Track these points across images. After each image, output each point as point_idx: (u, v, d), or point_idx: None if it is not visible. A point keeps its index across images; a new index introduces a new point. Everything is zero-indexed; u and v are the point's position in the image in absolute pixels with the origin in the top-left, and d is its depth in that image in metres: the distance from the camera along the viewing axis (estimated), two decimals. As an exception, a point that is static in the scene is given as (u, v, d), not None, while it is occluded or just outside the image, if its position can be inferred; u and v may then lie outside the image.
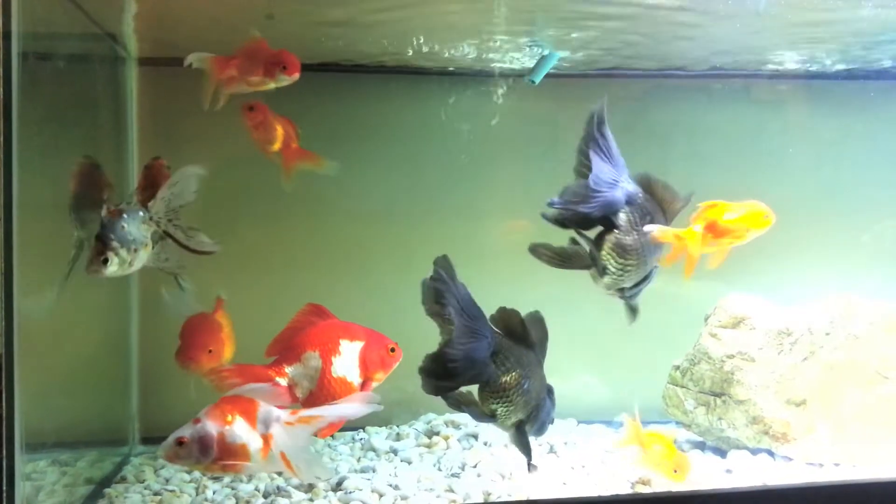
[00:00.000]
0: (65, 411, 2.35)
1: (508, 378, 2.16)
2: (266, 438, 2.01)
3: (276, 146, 2.56)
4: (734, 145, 3.43)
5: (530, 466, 2.30)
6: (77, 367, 2.48)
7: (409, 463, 2.73)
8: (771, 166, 3.43)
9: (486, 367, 2.16)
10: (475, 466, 2.66)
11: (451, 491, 2.46)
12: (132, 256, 2.03)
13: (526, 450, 2.26)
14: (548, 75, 3.09)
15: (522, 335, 2.26)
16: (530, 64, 3.11)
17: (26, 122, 1.88)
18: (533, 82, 3.11)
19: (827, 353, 2.85)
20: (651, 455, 2.40)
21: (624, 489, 2.49)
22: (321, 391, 2.27)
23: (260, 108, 2.54)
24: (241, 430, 1.98)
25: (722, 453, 2.87)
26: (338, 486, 2.48)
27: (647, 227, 2.20)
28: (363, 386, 2.32)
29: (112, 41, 2.81)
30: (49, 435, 2.18)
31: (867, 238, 3.48)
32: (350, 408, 2.16)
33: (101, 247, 1.99)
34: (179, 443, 1.93)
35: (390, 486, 2.48)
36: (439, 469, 2.67)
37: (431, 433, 3.00)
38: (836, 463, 2.74)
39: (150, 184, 2.43)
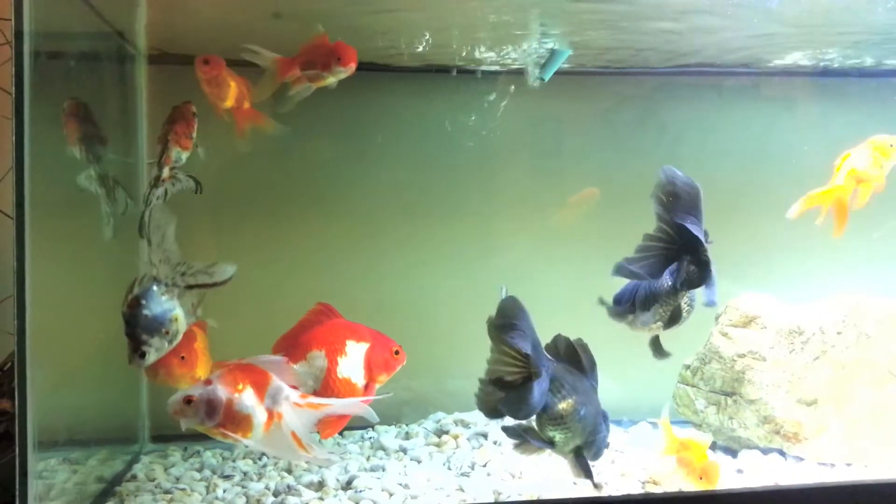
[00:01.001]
0: (76, 409, 2.35)
1: (565, 405, 2.17)
2: (271, 413, 2.00)
3: (229, 103, 2.49)
4: (745, 142, 3.41)
5: (596, 486, 2.33)
6: (88, 365, 2.48)
7: (419, 462, 2.73)
8: (782, 163, 3.41)
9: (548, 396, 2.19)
10: (485, 466, 2.66)
11: (461, 490, 2.45)
12: (168, 336, 2.04)
13: (587, 474, 2.27)
14: (557, 72, 3.08)
15: (575, 361, 2.28)
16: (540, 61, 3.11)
17: (39, 120, 1.88)
18: (543, 79, 3.10)
19: (838, 353, 2.84)
20: (683, 462, 2.41)
21: (634, 489, 2.48)
22: (325, 391, 2.28)
23: (215, 63, 2.44)
24: (249, 401, 1.97)
25: (733, 453, 2.86)
26: (348, 485, 2.48)
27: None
28: (366, 387, 2.32)
29: (122, 39, 2.81)
30: (60, 433, 2.18)
31: (878, 235, 3.46)
32: (356, 406, 2.17)
33: (135, 344, 2.00)
34: (188, 401, 1.92)
35: (400, 485, 2.47)
36: (449, 468, 2.66)
37: (441, 432, 2.99)
38: (848, 463, 2.73)
39: (169, 120, 2.46)
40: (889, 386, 2.81)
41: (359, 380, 2.31)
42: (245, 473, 2.61)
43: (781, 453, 2.79)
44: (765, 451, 2.81)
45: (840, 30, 2.93)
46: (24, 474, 1.83)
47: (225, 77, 2.45)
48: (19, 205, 1.82)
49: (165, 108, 2.99)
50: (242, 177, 3.10)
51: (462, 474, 2.60)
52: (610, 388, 3.29)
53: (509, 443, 2.85)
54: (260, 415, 1.99)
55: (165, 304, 2.04)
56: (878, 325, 2.88)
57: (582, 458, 2.24)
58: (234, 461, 2.74)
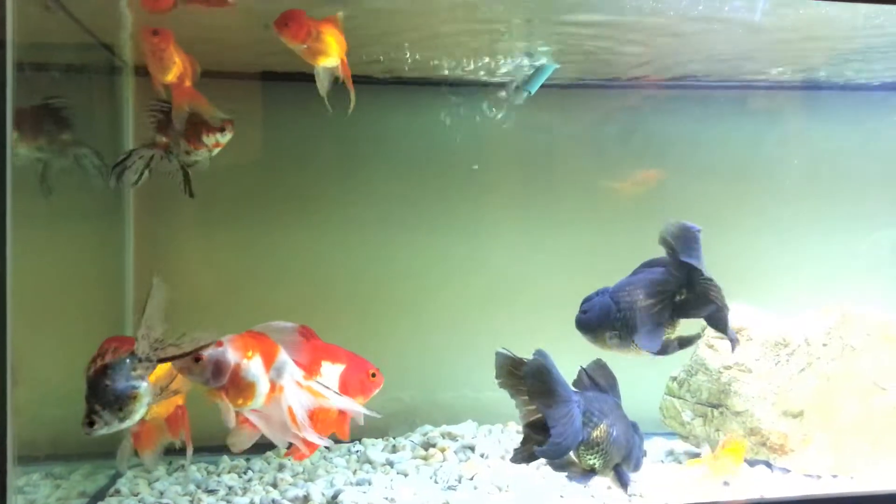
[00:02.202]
0: (59, 423, 2.33)
1: (598, 432, 2.21)
2: (273, 386, 1.98)
3: (170, 78, 2.40)
4: (730, 155, 3.44)
5: (631, 495, 2.41)
6: (71, 378, 2.46)
7: (406, 475, 2.71)
8: (767, 176, 3.44)
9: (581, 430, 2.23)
10: (472, 479, 2.65)
11: (448, 504, 2.45)
12: (120, 413, 1.93)
13: (626, 486, 2.31)
14: (543, 86, 3.10)
15: (597, 384, 2.33)
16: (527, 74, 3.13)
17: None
18: (529, 93, 3.12)
19: (824, 364, 2.85)
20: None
21: (622, 502, 2.47)
22: None
23: (165, 36, 2.33)
24: (256, 370, 1.95)
25: (718, 465, 2.86)
26: (333, 499, 2.46)
27: None
28: (341, 410, 2.29)
29: (108, 51, 2.81)
30: (43, 447, 2.16)
31: (864, 248, 3.49)
32: (351, 406, 2.16)
33: (88, 410, 1.92)
34: (196, 359, 1.90)
35: (386, 499, 2.46)
36: (436, 482, 2.65)
37: (428, 445, 2.98)
38: (834, 474, 2.73)
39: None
40: (875, 398, 2.82)
41: None
42: (230, 488, 2.59)
43: (768, 465, 2.79)
44: (751, 463, 2.81)
45: (823, 44, 2.96)
46: (2, 490, 1.81)
47: (172, 52, 2.38)
48: (0, 216, 1.81)
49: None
50: (234, 185, 3.09)
51: (449, 488, 2.59)
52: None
53: (496, 455, 2.86)
54: (263, 385, 1.96)
55: (131, 381, 1.95)
56: (863, 337, 2.89)
57: (622, 474, 2.29)
58: (218, 475, 2.72)
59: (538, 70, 3.05)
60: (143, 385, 1.96)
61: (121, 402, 1.92)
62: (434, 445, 2.96)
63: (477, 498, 2.48)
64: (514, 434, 3.13)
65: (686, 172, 3.38)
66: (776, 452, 2.76)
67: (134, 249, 3.01)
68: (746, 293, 3.11)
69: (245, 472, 2.75)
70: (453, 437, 3.02)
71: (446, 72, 3.14)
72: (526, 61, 3.05)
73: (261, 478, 2.68)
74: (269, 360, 1.98)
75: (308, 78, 3.12)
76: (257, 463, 2.84)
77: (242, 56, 2.98)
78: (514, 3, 2.52)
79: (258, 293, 3.10)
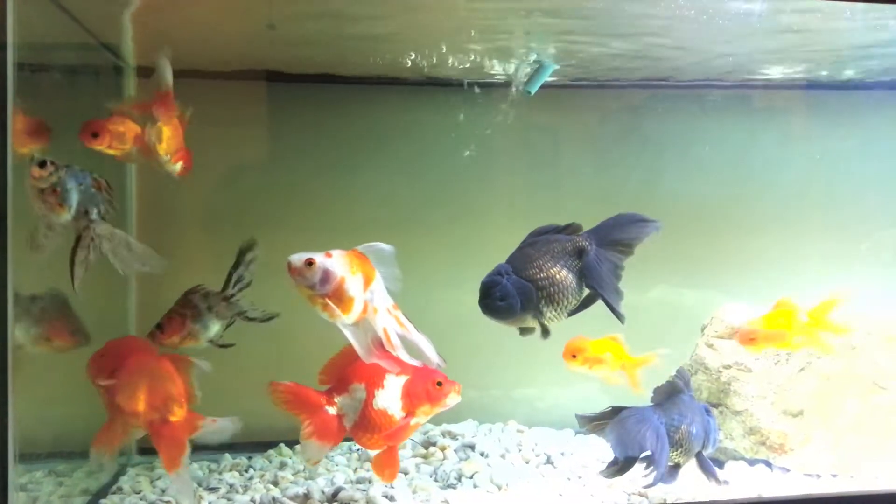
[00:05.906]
0: (61, 420, 2.34)
1: (680, 435, 2.43)
2: (366, 306, 2.12)
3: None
4: (729, 155, 3.44)
5: (721, 483, 2.51)
6: (73, 375, 2.48)
7: (406, 473, 2.72)
8: (766, 176, 3.44)
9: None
10: (471, 477, 2.66)
11: (447, 502, 2.45)
12: (52, 194, 2.01)
13: (711, 474, 2.50)
14: (543, 86, 3.11)
15: (676, 391, 2.50)
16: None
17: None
18: (529, 93, 3.13)
19: (824, 364, 2.84)
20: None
21: (621, 500, 2.48)
22: (363, 422, 2.33)
23: (101, 129, 2.20)
24: (356, 286, 2.09)
25: (719, 464, 2.85)
26: (333, 497, 2.48)
27: None
28: (406, 419, 2.34)
29: (109, 51, 2.82)
30: (45, 445, 2.18)
31: (865, 247, 3.49)
32: (426, 345, 2.21)
33: (52, 160, 1.99)
34: (309, 262, 2.02)
35: (386, 496, 2.47)
36: (436, 480, 2.66)
37: (428, 443, 2.99)
38: (834, 474, 2.73)
39: None
40: (874, 397, 2.82)
41: (396, 412, 2.33)
42: (231, 486, 2.60)
43: (768, 464, 2.79)
44: (751, 462, 2.81)
45: (822, 45, 2.96)
46: (4, 486, 1.83)
47: (123, 133, 2.26)
48: (1, 217, 1.82)
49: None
50: (236, 187, 3.11)
51: (448, 486, 2.60)
52: (599, 400, 3.30)
53: (496, 454, 2.87)
54: (359, 304, 2.10)
55: (77, 195, 2.06)
56: (863, 337, 2.88)
57: (703, 460, 2.50)
58: (220, 473, 2.73)
59: (538, 70, 3.05)
60: (69, 206, 2.05)
61: (60, 189, 2.02)
62: (434, 444, 2.97)
63: (477, 496, 2.49)
64: (513, 433, 3.14)
65: (683, 172, 3.38)
66: (776, 452, 2.76)
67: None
68: (747, 293, 3.12)
69: (246, 470, 2.77)
70: (453, 436, 3.03)
71: (449, 72, 3.16)
72: (525, 61, 3.06)
73: (262, 476, 2.70)
74: (367, 282, 2.12)
75: (310, 79, 3.17)
76: (258, 461, 2.86)
77: (245, 56, 3.00)
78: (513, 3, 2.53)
79: (260, 294, 3.10)
